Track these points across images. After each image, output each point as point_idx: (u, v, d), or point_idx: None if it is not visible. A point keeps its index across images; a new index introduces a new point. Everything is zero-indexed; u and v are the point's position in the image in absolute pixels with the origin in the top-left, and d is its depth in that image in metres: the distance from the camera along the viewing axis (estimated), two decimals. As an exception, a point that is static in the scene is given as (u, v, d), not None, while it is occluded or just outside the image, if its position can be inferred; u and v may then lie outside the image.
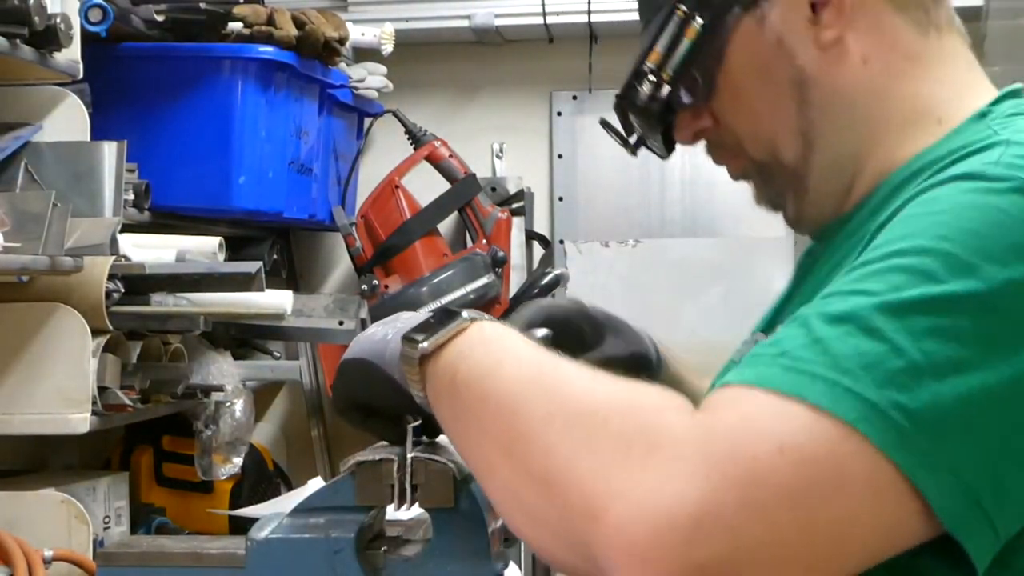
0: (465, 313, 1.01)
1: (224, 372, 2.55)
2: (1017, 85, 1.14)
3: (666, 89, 1.12)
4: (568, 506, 0.85)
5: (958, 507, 0.83)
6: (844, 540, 0.83)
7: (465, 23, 3.17)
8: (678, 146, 1.22)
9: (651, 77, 1.12)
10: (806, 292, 1.09)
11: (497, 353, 0.97)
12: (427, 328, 1.00)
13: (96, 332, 2.06)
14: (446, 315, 1.01)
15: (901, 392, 0.83)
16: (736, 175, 1.18)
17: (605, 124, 1.23)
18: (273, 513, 1.11)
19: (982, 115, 1.08)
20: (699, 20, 1.10)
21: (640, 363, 1.27)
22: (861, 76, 1.09)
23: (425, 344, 0.99)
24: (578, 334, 1.27)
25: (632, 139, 1.22)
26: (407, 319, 1.07)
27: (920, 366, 0.83)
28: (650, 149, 1.22)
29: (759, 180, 1.16)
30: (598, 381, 0.92)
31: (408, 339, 1.00)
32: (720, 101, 1.13)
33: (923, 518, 0.83)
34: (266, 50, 2.57)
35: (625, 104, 1.15)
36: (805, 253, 1.22)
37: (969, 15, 3.01)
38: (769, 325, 1.18)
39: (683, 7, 1.11)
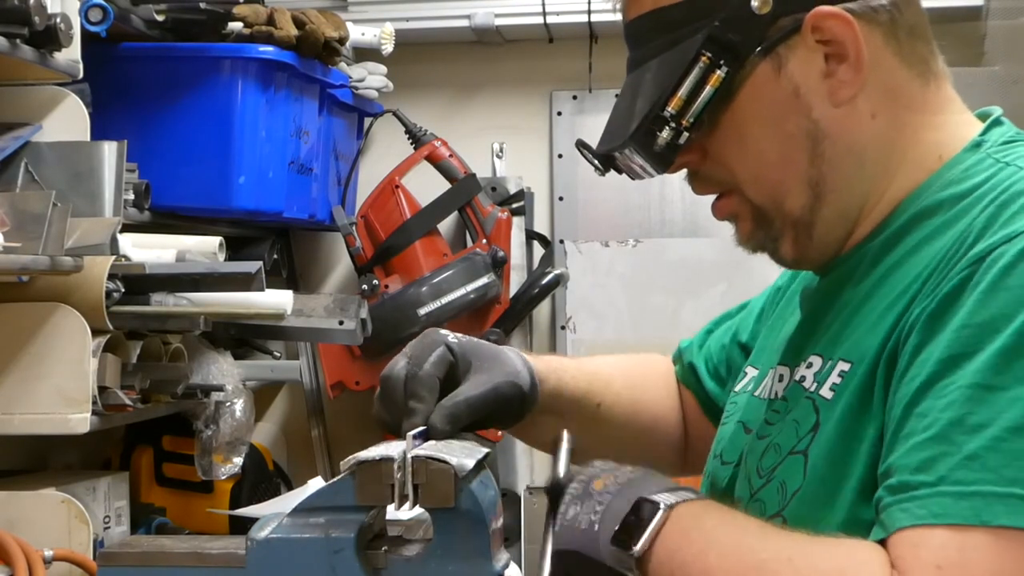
0: (661, 501, 1.03)
1: (224, 372, 2.55)
2: (993, 109, 1.16)
3: (685, 136, 1.10)
4: None
5: None
6: None
7: (465, 23, 3.17)
8: None
9: (672, 124, 1.10)
10: (835, 320, 1.11)
11: (699, 543, 1.01)
12: (633, 528, 1.03)
13: (96, 332, 2.06)
14: (644, 506, 1.03)
15: None
16: (723, 215, 1.17)
17: (581, 145, 1.22)
18: (273, 513, 1.11)
19: (977, 145, 1.10)
20: (724, 68, 1.08)
21: (506, 395, 1.22)
22: (870, 131, 1.10)
23: (636, 548, 1.02)
24: (452, 369, 1.22)
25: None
26: (603, 502, 1.07)
27: None
28: (621, 173, 1.20)
29: (752, 223, 1.15)
30: (795, 552, 0.97)
31: (618, 542, 1.03)
32: (720, 139, 1.12)
33: None
34: (266, 50, 2.57)
35: (638, 148, 1.12)
36: (806, 290, 1.21)
37: (969, 15, 3.01)
38: (789, 358, 1.17)
39: (708, 54, 1.08)
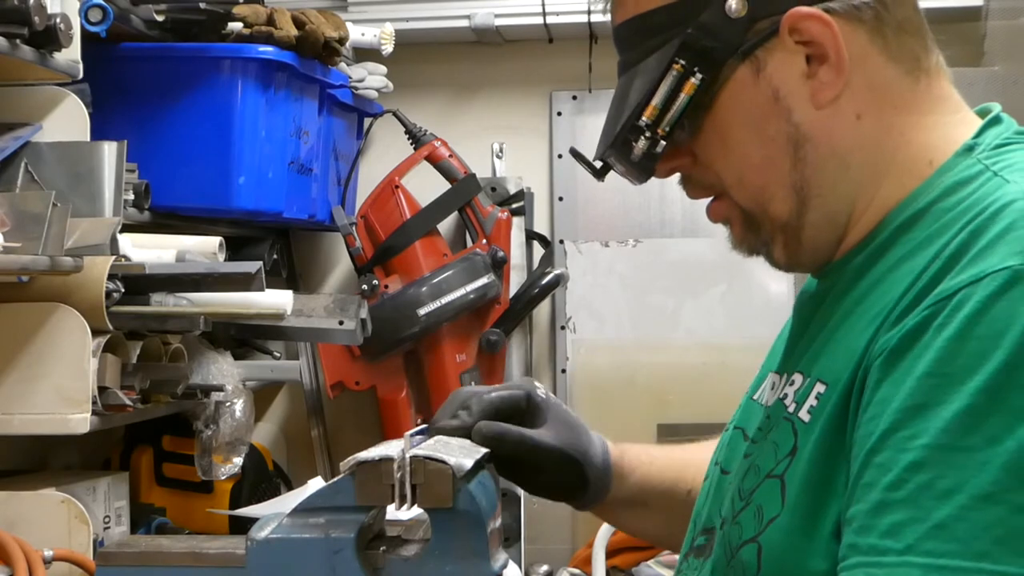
0: None
1: (224, 372, 2.55)
2: (993, 106, 1.13)
3: (662, 144, 1.09)
4: None
5: None
6: None
7: (465, 23, 3.17)
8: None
9: (647, 134, 1.09)
10: (818, 334, 1.10)
11: None
12: None
13: (96, 332, 2.06)
14: None
15: None
16: (717, 219, 1.16)
17: (575, 154, 1.22)
18: (273, 513, 1.11)
19: (969, 148, 1.07)
20: (699, 76, 1.07)
21: (570, 460, 1.28)
22: (855, 133, 1.08)
23: None
24: (519, 415, 1.27)
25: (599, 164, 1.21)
26: None
27: None
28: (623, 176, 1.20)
29: (743, 228, 1.14)
30: None
31: None
32: (704, 143, 1.11)
33: None
34: (266, 50, 2.57)
35: (617, 157, 1.12)
36: (802, 294, 1.20)
37: (969, 15, 3.01)
38: (782, 367, 1.16)
39: (681, 62, 1.07)
